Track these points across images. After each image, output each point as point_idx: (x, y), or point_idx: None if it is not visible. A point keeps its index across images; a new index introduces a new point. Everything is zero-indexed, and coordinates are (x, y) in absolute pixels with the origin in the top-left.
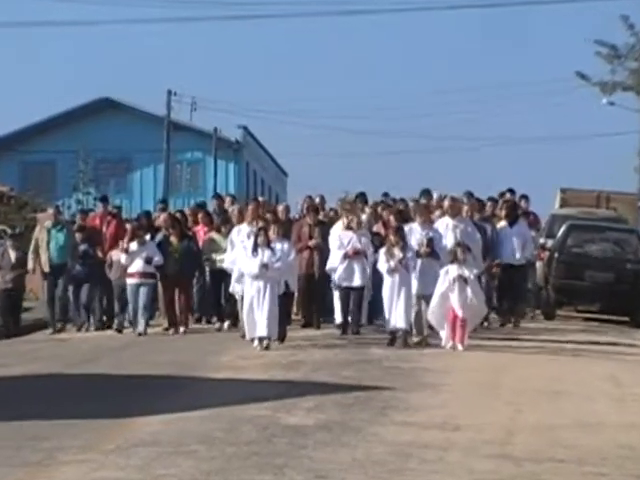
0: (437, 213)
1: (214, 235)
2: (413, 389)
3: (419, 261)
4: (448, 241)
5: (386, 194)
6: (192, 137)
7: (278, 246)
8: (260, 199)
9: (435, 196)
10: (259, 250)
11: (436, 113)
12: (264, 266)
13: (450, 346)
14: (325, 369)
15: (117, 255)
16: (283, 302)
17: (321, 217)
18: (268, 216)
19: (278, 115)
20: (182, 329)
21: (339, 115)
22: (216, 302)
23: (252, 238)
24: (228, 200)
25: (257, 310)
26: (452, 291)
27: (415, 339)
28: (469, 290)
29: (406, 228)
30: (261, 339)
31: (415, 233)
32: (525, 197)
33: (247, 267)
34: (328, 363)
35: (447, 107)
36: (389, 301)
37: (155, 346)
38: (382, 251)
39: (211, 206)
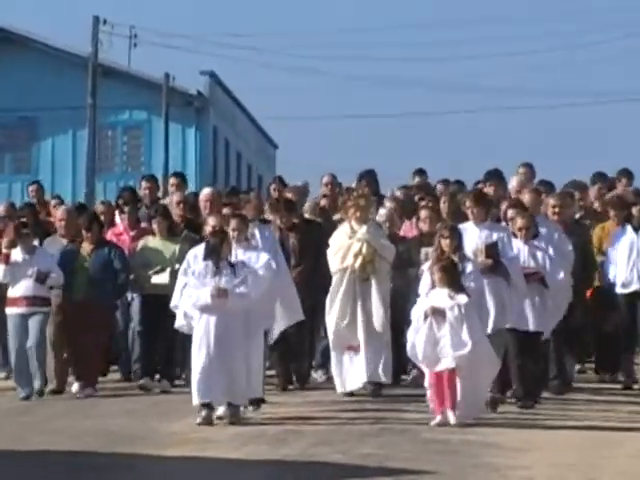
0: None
1: (150, 241)
2: (467, 474)
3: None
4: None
5: (421, 171)
6: (131, 88)
7: (252, 257)
8: (207, 191)
9: (514, 183)
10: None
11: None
12: (221, 292)
13: (438, 422)
14: (333, 443)
15: None
16: (263, 347)
17: (307, 214)
18: (226, 211)
19: (260, 55)
20: (88, 390)
21: (344, 55)
22: (147, 347)
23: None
24: (172, 182)
25: (213, 363)
26: (420, 330)
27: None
28: (447, 330)
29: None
30: (209, 406)
31: (469, 236)
32: (628, 173)
33: (193, 295)
34: (337, 434)
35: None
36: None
37: (69, 408)
38: (425, 266)
39: (142, 192)
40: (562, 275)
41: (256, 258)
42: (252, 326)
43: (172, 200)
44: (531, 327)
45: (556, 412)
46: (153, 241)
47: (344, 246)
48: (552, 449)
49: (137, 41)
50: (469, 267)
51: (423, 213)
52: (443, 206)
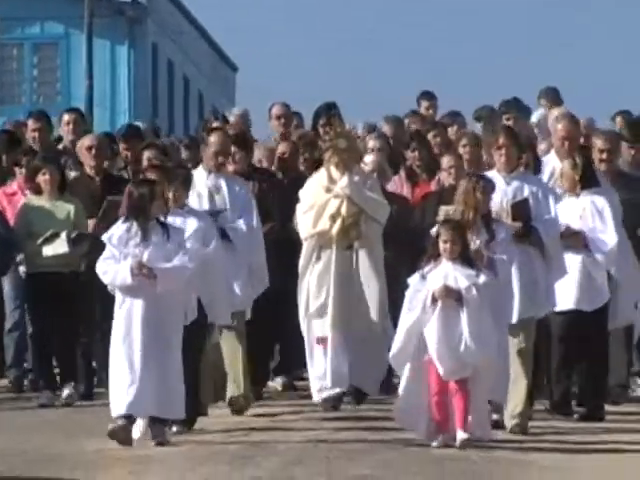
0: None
1: (33, 201)
2: None
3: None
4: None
5: (429, 94)
6: None
7: (192, 223)
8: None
9: (539, 115)
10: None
11: None
12: (138, 268)
13: (438, 442)
14: (312, 462)
15: None
16: (194, 344)
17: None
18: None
19: None
20: None
21: None
22: (39, 344)
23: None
24: (67, 119)
25: (139, 364)
26: (429, 322)
27: (494, 416)
28: (465, 319)
29: None
30: (128, 418)
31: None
32: None
33: (110, 271)
34: (318, 451)
35: None
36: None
37: None
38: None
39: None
40: (616, 239)
41: (182, 225)
42: (176, 317)
43: (81, 145)
44: (574, 305)
45: (604, 426)
46: (38, 200)
47: (319, 203)
48: (602, 472)
49: None
50: (501, 233)
51: (447, 161)
52: (463, 150)
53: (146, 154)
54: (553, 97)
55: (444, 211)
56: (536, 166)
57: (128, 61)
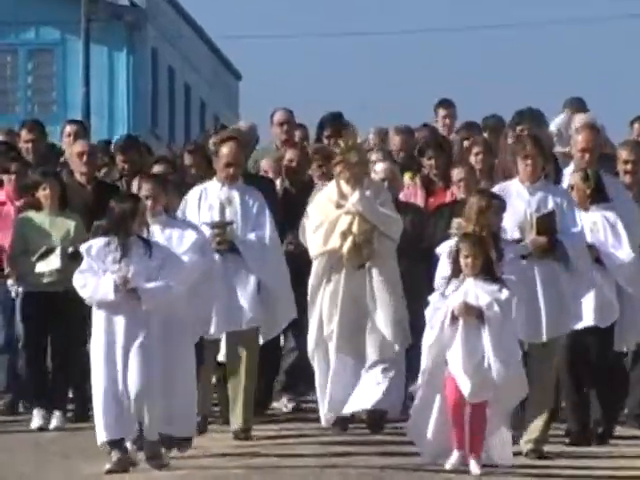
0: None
1: (32, 217)
2: None
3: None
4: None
5: (447, 102)
6: None
7: (174, 237)
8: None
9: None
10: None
11: None
12: (123, 284)
13: (455, 461)
14: None
15: None
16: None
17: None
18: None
19: None
20: None
21: None
22: (34, 367)
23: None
24: (68, 131)
25: (121, 384)
26: (451, 341)
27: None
28: (487, 337)
29: (496, 190)
30: (121, 444)
31: (514, 202)
32: None
33: (89, 284)
34: (325, 475)
35: None
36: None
37: None
38: (443, 247)
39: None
40: (632, 255)
41: (179, 238)
42: (176, 334)
43: (72, 152)
44: (591, 322)
45: (620, 450)
46: (38, 217)
47: (329, 219)
48: None
49: None
50: (509, 252)
51: (456, 174)
52: (475, 158)
53: (156, 168)
54: (578, 107)
55: (457, 223)
56: (557, 176)
57: (127, 67)
